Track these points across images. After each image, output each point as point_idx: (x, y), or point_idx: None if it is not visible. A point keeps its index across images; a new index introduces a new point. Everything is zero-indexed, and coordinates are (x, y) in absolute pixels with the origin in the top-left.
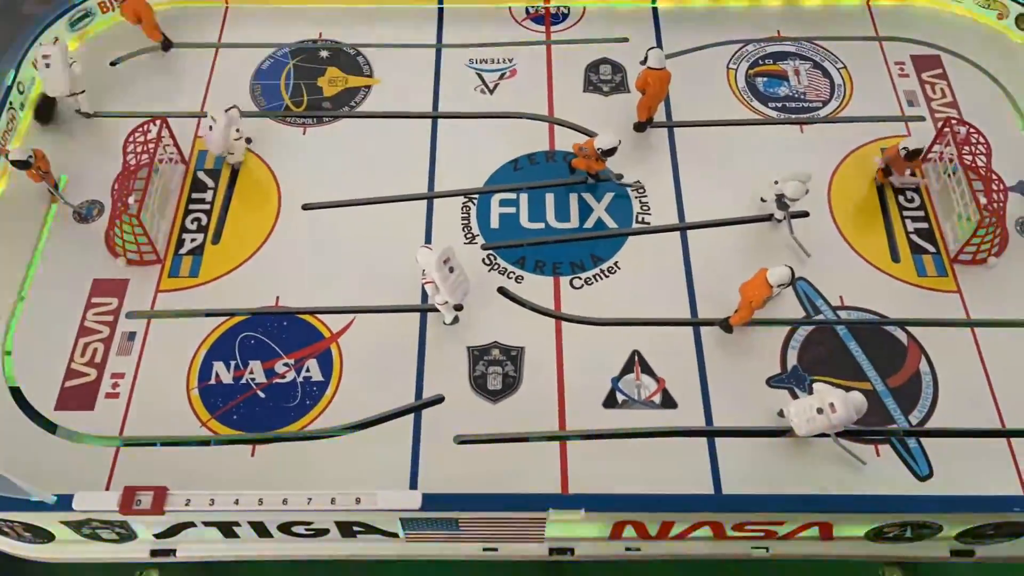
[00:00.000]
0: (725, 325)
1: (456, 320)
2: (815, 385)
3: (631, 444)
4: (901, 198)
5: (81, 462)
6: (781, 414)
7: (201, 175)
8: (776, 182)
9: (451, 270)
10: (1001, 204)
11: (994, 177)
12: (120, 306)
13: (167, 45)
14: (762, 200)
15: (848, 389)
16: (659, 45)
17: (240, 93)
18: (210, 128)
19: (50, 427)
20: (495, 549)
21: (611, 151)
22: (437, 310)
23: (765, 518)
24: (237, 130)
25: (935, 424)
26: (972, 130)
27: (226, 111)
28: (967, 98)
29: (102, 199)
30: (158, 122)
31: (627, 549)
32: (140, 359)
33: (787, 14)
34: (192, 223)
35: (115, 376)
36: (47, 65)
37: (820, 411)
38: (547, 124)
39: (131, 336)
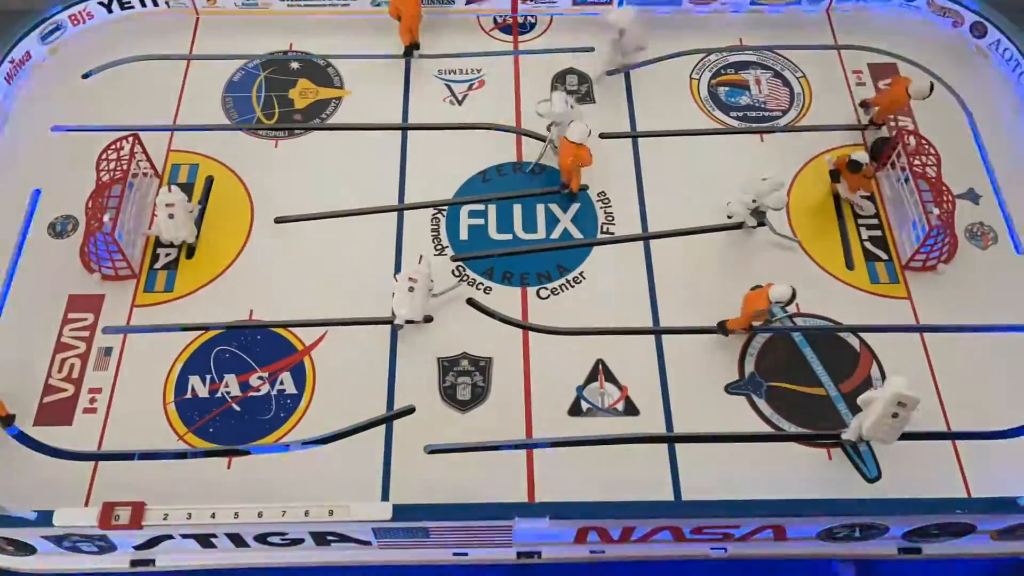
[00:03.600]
0: (722, 327)
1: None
2: (860, 399)
3: (595, 451)
4: (863, 167)
5: (60, 476)
6: (847, 441)
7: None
8: (747, 194)
9: (411, 289)
10: (949, 213)
11: (944, 187)
12: (96, 321)
13: (411, 50)
14: (728, 217)
15: (805, 395)
16: None
17: (212, 105)
18: (170, 216)
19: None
20: (465, 554)
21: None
22: (408, 321)
23: (722, 522)
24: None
25: None
26: (922, 140)
27: (170, 191)
28: (922, 106)
29: (76, 214)
30: (131, 138)
31: (592, 552)
32: (117, 374)
33: (749, 22)
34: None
35: (92, 391)
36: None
37: (895, 415)
38: (515, 135)
39: (108, 351)
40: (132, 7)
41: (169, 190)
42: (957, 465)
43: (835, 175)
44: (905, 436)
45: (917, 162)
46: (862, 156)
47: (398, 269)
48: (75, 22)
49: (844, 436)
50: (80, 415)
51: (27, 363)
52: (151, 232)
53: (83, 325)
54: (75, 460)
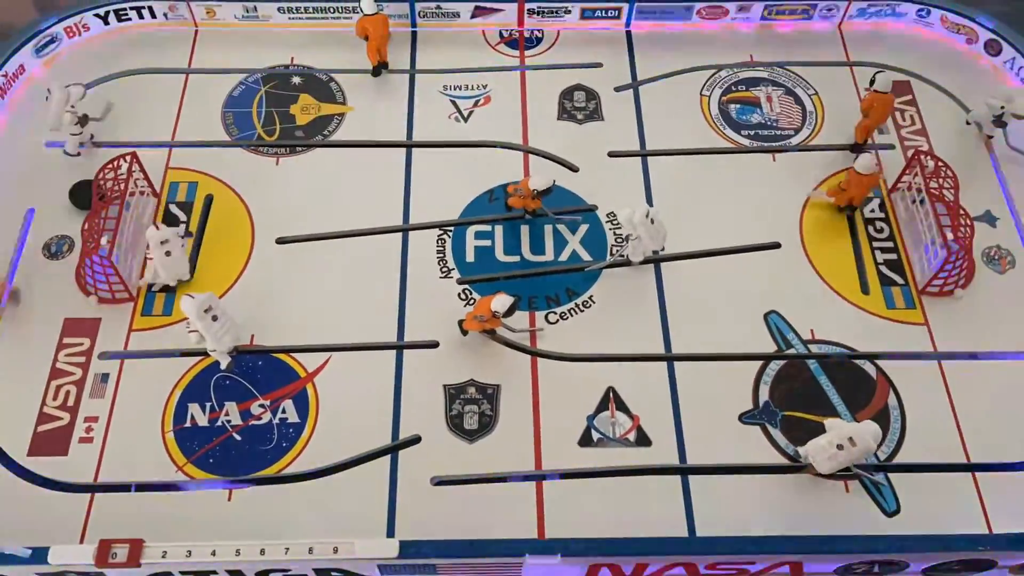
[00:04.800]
0: (460, 325)
1: (232, 364)
2: (827, 422)
3: (607, 483)
4: (871, 228)
5: (56, 510)
6: (797, 455)
7: (173, 208)
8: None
9: (214, 318)
10: (967, 237)
11: (961, 211)
12: (92, 346)
13: (379, 69)
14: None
15: (821, 425)
16: (632, 70)
17: (212, 121)
18: (167, 254)
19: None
20: None
21: (546, 191)
22: (414, 347)
23: (737, 559)
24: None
25: (902, 459)
26: (940, 163)
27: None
28: (936, 125)
29: (72, 235)
30: (128, 157)
31: None
32: (114, 401)
33: (760, 38)
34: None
35: (89, 420)
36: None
37: (840, 447)
38: (522, 153)
39: (104, 378)
40: (129, 19)
41: (157, 227)
42: (977, 498)
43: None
44: (924, 468)
45: (934, 185)
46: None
47: (404, 291)
48: (71, 34)
49: (796, 449)
50: (76, 444)
51: (21, 390)
52: (145, 280)
53: (79, 350)
54: (71, 492)
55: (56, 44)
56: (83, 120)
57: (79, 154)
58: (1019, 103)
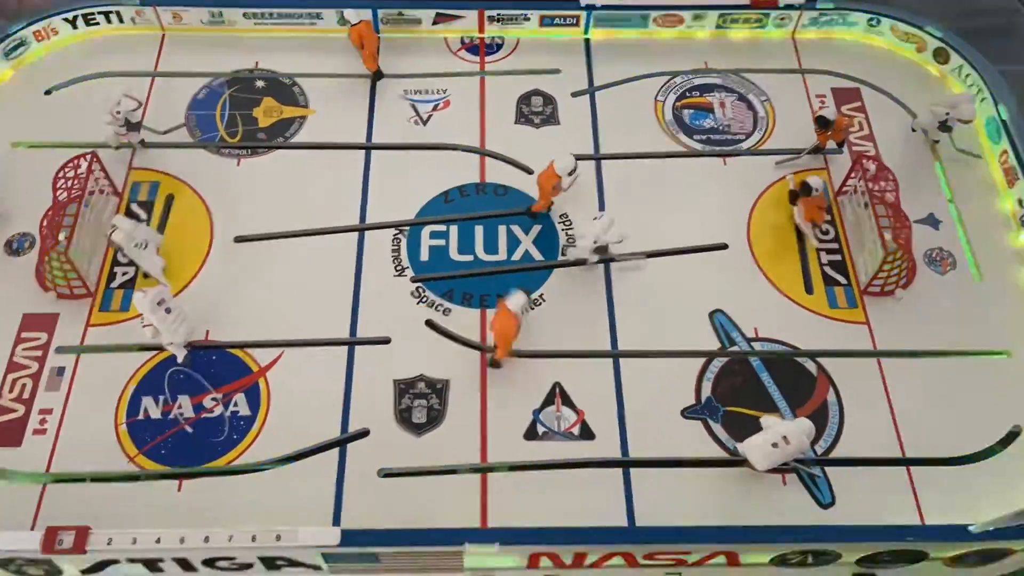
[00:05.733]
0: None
1: (188, 358)
2: (763, 420)
3: (550, 475)
4: (817, 230)
5: (8, 499)
6: (735, 452)
7: (134, 207)
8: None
9: (167, 311)
10: (907, 238)
11: (902, 212)
12: (50, 341)
13: (378, 76)
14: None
15: (760, 419)
16: (590, 76)
17: (175, 123)
18: (143, 247)
19: None
20: None
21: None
22: (365, 343)
23: (674, 548)
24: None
25: (839, 453)
26: (881, 166)
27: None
28: (884, 130)
29: (32, 232)
30: (88, 157)
31: None
32: (69, 394)
33: (715, 46)
34: (124, 256)
35: (43, 412)
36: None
37: (775, 445)
38: (478, 156)
39: (60, 371)
40: (97, 23)
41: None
42: (911, 492)
43: (793, 196)
44: (859, 462)
45: (876, 188)
46: (816, 181)
47: (358, 289)
48: (39, 38)
49: (736, 446)
50: (30, 436)
51: None
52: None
53: (36, 344)
54: (23, 482)
55: (25, 47)
56: (129, 124)
57: (117, 148)
58: (963, 108)
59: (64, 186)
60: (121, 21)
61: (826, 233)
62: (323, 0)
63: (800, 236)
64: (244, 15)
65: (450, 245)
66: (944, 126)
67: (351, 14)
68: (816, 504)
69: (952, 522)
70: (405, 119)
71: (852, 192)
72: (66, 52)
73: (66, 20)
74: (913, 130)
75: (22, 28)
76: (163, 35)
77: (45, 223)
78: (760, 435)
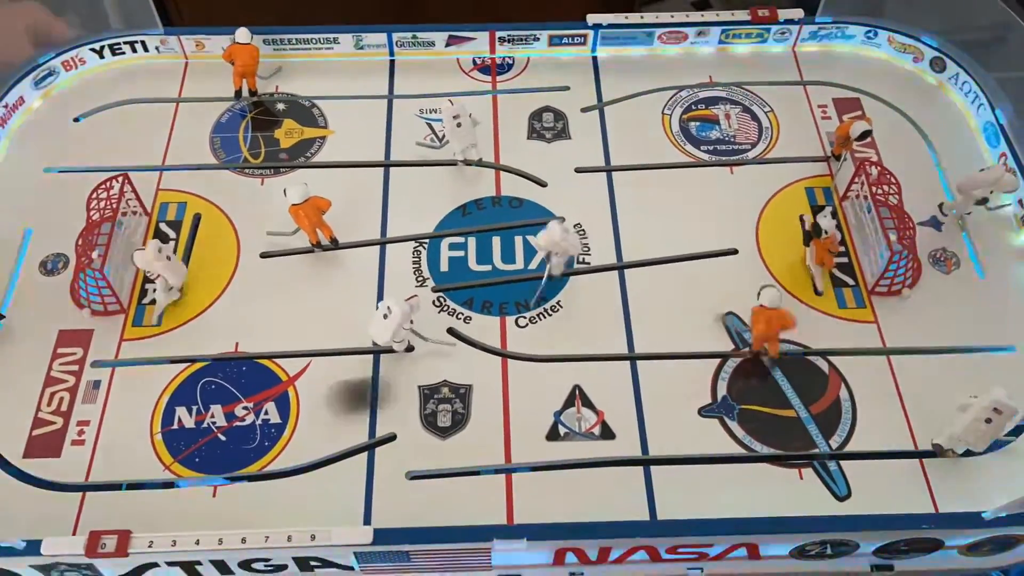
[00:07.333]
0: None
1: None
2: (961, 404)
3: (572, 474)
4: (824, 234)
5: (49, 507)
6: (939, 447)
7: (163, 227)
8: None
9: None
10: (911, 239)
11: (905, 214)
12: (85, 356)
13: (239, 94)
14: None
15: (776, 417)
16: (598, 92)
17: (200, 146)
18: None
19: None
20: None
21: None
22: (390, 350)
23: (695, 541)
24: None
25: (853, 447)
26: (883, 170)
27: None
28: (884, 137)
29: (65, 253)
30: (120, 178)
31: (571, 573)
32: (105, 406)
33: (718, 60)
34: (154, 274)
35: (81, 423)
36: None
37: (989, 421)
38: (493, 171)
39: (96, 384)
40: (123, 53)
41: (144, 247)
42: (925, 483)
43: (807, 237)
44: (874, 455)
45: (880, 191)
46: (827, 223)
47: (381, 299)
48: (68, 68)
49: (934, 441)
50: (68, 447)
51: (17, 397)
52: (161, 305)
53: (73, 359)
54: (63, 491)
55: (54, 77)
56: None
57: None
58: (1006, 181)
59: (96, 207)
60: (146, 50)
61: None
62: (340, 27)
63: (808, 241)
64: (264, 41)
65: (469, 256)
66: (981, 202)
67: (240, 33)
68: (833, 496)
69: (966, 510)
70: (421, 137)
71: (855, 197)
72: (93, 80)
73: (93, 50)
74: (944, 214)
75: (51, 58)
76: (186, 63)
77: (80, 242)
78: (963, 419)
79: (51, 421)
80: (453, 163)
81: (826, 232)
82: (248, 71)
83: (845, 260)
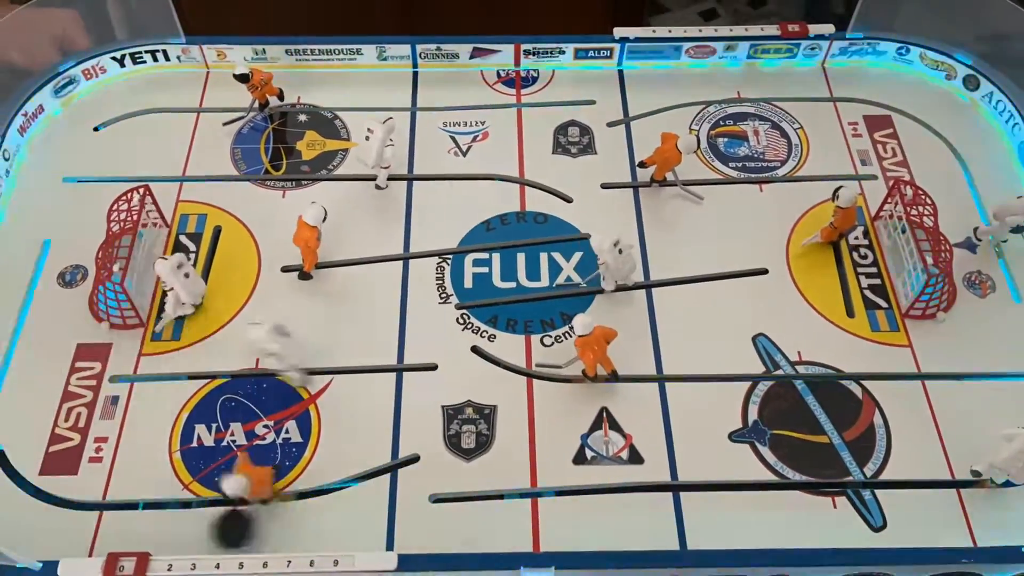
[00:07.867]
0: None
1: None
2: (1004, 434)
3: (600, 499)
4: (855, 255)
5: (66, 525)
6: (978, 474)
7: (183, 239)
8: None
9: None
10: (947, 262)
11: (941, 236)
12: (103, 370)
13: (263, 107)
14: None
15: (809, 443)
16: (624, 107)
17: (221, 157)
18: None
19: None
20: None
21: None
22: (413, 370)
23: (726, 571)
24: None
25: (888, 476)
26: (918, 191)
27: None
28: (916, 156)
29: (86, 264)
30: (141, 190)
31: None
32: (123, 423)
33: (746, 75)
34: (169, 286)
35: (98, 440)
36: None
37: None
38: (518, 186)
39: (114, 400)
40: (144, 62)
41: (165, 258)
42: (962, 514)
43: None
44: (910, 484)
45: (914, 212)
46: (847, 194)
47: (404, 317)
48: (88, 76)
49: (973, 468)
50: (86, 464)
51: (35, 412)
52: (168, 317)
53: (90, 374)
54: (80, 510)
55: (74, 85)
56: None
57: (387, 187)
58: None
59: (117, 218)
60: (167, 59)
61: (864, 257)
62: (363, 37)
63: (840, 261)
64: (287, 51)
65: (493, 272)
66: (1017, 229)
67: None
68: (868, 527)
69: (1005, 543)
70: (445, 150)
71: (888, 217)
72: (114, 89)
73: (114, 59)
74: (978, 240)
75: (72, 67)
76: (207, 73)
77: (100, 254)
78: (1009, 447)
79: (68, 437)
80: (478, 178)
81: (837, 201)
82: (267, 80)
83: (878, 282)
